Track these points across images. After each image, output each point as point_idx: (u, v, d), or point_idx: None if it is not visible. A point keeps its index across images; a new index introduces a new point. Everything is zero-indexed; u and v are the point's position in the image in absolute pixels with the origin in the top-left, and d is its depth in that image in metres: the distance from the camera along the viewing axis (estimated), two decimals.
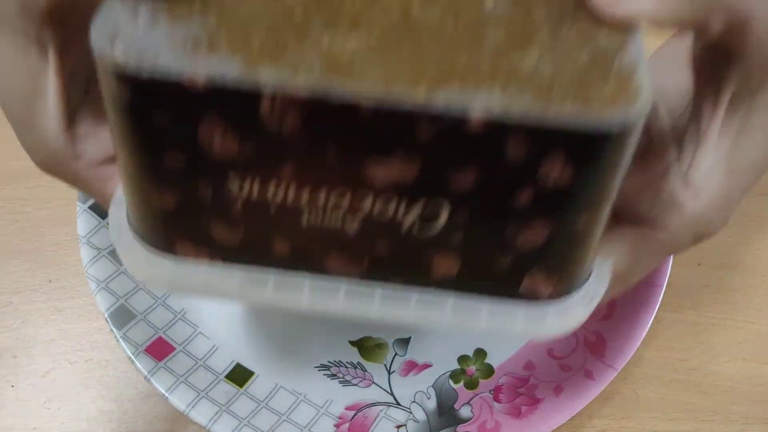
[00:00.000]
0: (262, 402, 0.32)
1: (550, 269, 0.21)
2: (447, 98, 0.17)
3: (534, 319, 0.23)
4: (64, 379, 0.34)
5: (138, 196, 0.23)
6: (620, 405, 0.34)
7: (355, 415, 0.32)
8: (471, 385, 0.33)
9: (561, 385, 0.32)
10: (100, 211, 0.34)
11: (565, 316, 0.22)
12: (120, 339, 0.32)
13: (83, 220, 0.34)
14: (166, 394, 0.31)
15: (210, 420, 0.31)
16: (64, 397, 0.34)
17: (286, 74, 0.18)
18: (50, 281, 0.36)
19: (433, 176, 0.20)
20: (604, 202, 0.20)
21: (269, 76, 0.18)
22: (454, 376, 0.33)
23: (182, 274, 0.24)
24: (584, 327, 0.34)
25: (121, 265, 0.34)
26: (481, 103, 0.17)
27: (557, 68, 0.18)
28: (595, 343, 0.33)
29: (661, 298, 0.33)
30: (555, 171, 0.18)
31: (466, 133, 0.18)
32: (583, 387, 0.32)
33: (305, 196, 0.21)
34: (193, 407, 0.31)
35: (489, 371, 0.34)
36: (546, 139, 0.18)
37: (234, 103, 0.18)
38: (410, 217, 0.21)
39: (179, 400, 0.31)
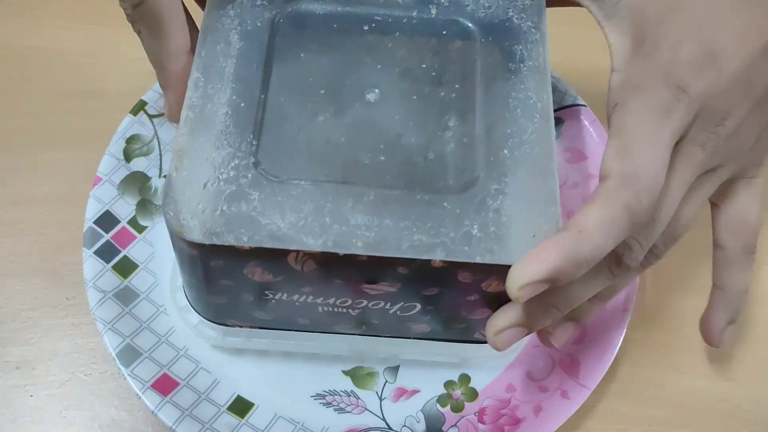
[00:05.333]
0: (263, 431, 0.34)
1: None
2: (416, 249, 0.27)
3: (483, 351, 0.34)
4: (79, 389, 0.36)
5: (198, 297, 0.32)
6: (596, 420, 0.37)
7: None
8: (457, 408, 0.35)
9: (540, 405, 0.35)
10: (104, 256, 0.37)
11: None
12: (127, 377, 0.34)
13: (89, 265, 0.36)
14: (173, 427, 0.33)
15: None
16: (79, 406, 0.36)
17: (305, 237, 0.26)
18: (67, 298, 0.38)
19: (408, 291, 0.29)
20: None
21: (292, 243, 0.26)
22: (441, 400, 0.36)
23: (230, 335, 0.34)
24: (559, 350, 0.36)
25: (126, 306, 0.36)
26: (439, 254, 0.27)
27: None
28: (569, 365, 0.35)
29: (628, 321, 0.36)
30: (492, 285, 0.28)
31: (430, 268, 0.27)
32: (560, 406, 0.34)
33: (320, 300, 0.30)
34: None
35: (473, 395, 0.36)
36: (484, 270, 0.27)
37: (269, 256, 0.27)
38: (394, 309, 0.31)
39: None
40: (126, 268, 0.37)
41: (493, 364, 0.36)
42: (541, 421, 0.34)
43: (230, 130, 0.28)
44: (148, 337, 0.35)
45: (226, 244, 0.26)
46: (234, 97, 0.29)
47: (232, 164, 0.28)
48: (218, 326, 0.33)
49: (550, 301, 0.29)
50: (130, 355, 0.34)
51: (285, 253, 0.27)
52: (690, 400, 0.37)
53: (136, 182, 0.39)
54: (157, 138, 0.40)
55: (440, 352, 0.34)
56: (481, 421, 0.35)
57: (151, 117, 0.40)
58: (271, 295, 0.30)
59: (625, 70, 0.29)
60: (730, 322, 0.34)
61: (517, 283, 0.25)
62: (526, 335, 0.29)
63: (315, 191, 0.27)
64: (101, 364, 0.37)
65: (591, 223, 0.25)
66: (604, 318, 0.36)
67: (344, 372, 0.36)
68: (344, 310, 0.31)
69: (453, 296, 0.30)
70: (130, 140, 0.39)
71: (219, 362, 0.36)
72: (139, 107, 0.40)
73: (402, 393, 0.36)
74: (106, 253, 0.37)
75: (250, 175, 0.27)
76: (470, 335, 0.33)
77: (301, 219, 0.27)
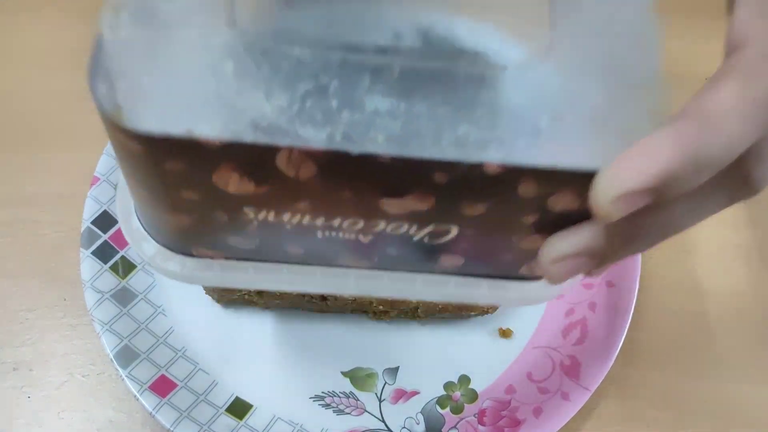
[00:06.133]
0: None
1: None
2: (461, 147, 0.19)
3: (526, 291, 0.25)
4: (77, 391, 0.36)
5: (153, 217, 0.24)
6: (597, 421, 0.36)
7: None
8: (457, 410, 0.35)
9: (540, 407, 0.34)
10: (102, 256, 0.36)
11: (548, 287, 0.25)
12: (125, 378, 0.33)
13: (87, 266, 0.36)
14: (171, 429, 0.33)
15: None
16: (76, 407, 0.36)
17: (302, 127, 0.18)
18: (65, 299, 0.38)
19: (444, 209, 0.21)
20: None
21: (283, 136, 0.18)
22: (441, 401, 0.36)
23: (198, 269, 0.25)
24: (559, 352, 0.36)
25: (124, 307, 0.36)
26: (494, 153, 0.19)
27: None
28: (570, 366, 0.35)
29: (629, 322, 0.36)
30: (564, 200, 0.20)
31: (480, 175, 0.19)
32: (560, 408, 0.34)
33: (319, 222, 0.22)
34: None
35: (473, 396, 0.36)
36: (557, 178, 0.19)
37: (250, 155, 0.19)
38: (420, 234, 0.22)
39: None
40: (124, 268, 0.37)
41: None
42: (541, 422, 0.34)
43: None
44: (146, 338, 0.35)
45: (187, 136, 0.18)
46: None
47: (196, 20, 0.19)
48: (182, 257, 0.25)
49: (643, 224, 0.21)
50: (127, 356, 0.34)
51: (273, 150, 0.19)
52: (690, 402, 0.37)
53: None
54: None
55: (480, 293, 0.26)
56: (480, 422, 0.35)
57: None
58: (252, 214, 0.22)
59: None
60: None
61: (609, 192, 0.18)
62: (590, 270, 0.22)
63: (316, 62, 0.19)
64: (99, 365, 0.37)
65: (724, 105, 0.18)
66: (605, 320, 0.36)
67: (343, 373, 0.36)
68: (353, 236, 0.23)
69: (504, 217, 0.22)
70: None
71: (217, 363, 0.36)
72: None
73: (401, 394, 0.36)
74: (103, 253, 0.36)
75: (220, 37, 0.19)
76: (516, 269, 0.25)
77: (296, 102, 0.19)
